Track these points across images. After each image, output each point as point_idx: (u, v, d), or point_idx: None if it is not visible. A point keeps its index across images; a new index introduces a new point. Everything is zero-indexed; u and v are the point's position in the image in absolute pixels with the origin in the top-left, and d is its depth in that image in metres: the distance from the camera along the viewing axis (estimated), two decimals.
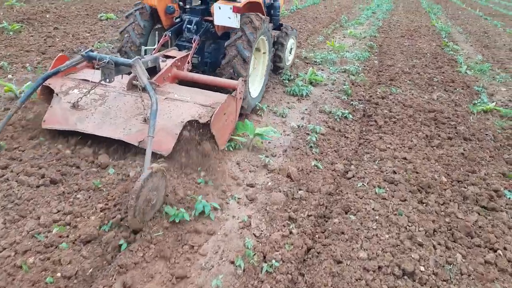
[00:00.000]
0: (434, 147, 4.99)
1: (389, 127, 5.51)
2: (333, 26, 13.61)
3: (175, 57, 4.76)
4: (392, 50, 10.59)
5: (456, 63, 9.53)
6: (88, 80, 4.26)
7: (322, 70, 8.38)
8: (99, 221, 3.26)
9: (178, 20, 5.50)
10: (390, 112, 6.01)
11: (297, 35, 7.78)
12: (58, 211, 3.33)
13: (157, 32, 5.46)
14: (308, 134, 5.20)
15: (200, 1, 5.74)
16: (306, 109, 6.14)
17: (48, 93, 4.33)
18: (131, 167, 3.96)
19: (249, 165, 4.49)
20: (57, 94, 4.12)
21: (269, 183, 4.10)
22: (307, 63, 8.69)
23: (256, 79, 5.83)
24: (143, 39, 5.25)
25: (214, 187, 3.96)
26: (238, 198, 3.85)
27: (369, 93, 7.09)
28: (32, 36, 8.50)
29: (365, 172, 4.33)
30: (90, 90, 3.96)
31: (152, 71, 4.40)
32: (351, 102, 6.48)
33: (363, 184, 4.09)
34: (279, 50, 6.85)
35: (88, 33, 9.25)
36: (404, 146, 4.96)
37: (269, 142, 4.92)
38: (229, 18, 4.79)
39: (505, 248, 3.26)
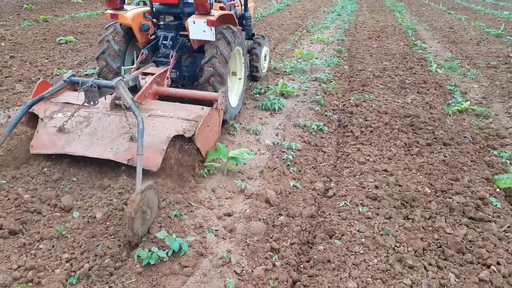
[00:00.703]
0: (414, 156, 4.86)
1: (366, 137, 5.37)
2: (299, 32, 13.54)
3: (154, 73, 4.81)
4: (361, 53, 10.55)
5: (426, 62, 9.54)
6: (71, 103, 4.31)
7: (292, 80, 8.23)
8: (65, 274, 2.99)
9: (153, 37, 5.57)
10: (366, 120, 5.88)
11: (269, 42, 7.87)
12: (19, 267, 3.03)
13: (134, 51, 5.49)
14: (284, 152, 5.00)
15: (173, 17, 5.78)
16: (280, 124, 5.95)
17: (32, 119, 4.38)
18: (97, 208, 3.68)
19: (225, 191, 4.26)
20: (42, 119, 4.16)
21: (247, 211, 3.87)
22: (277, 74, 8.53)
23: (234, 89, 5.95)
24: (119, 62, 5.31)
25: (189, 219, 3.72)
26: (216, 230, 3.61)
27: (342, 102, 6.96)
28: None
29: (346, 190, 4.14)
30: (74, 113, 4.02)
31: (133, 89, 4.45)
32: (325, 113, 6.33)
33: (345, 204, 3.90)
34: (254, 59, 7.08)
35: (47, 59, 8.84)
36: (383, 157, 4.82)
37: (244, 164, 4.70)
38: (204, 31, 4.85)
39: (498, 263, 3.11)
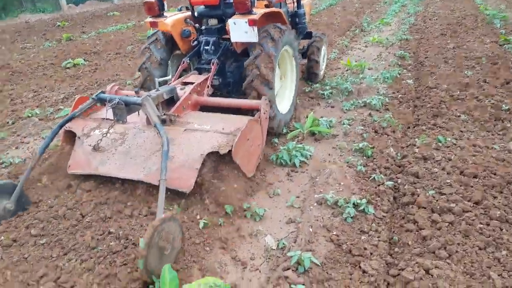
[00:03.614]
0: None
1: (442, 238, 2.99)
2: (352, 32, 11.05)
3: (194, 83, 4.48)
4: (431, 58, 7.94)
5: None
6: (110, 119, 3.93)
7: (331, 108, 5.97)
8: None
9: (195, 43, 5.16)
10: (441, 194, 3.50)
11: (327, 41, 7.22)
12: None
13: (175, 60, 5.27)
14: (287, 277, 2.83)
15: (216, 20, 5.27)
16: (297, 198, 3.79)
17: (71, 137, 4.11)
18: None
19: None
20: (79, 138, 3.97)
21: None
22: (312, 98, 6.32)
23: (285, 93, 5.37)
24: (162, 71, 5.05)
25: None
26: None
27: (402, 150, 4.58)
28: None
29: None
30: (108, 131, 3.76)
31: (172, 101, 4.19)
32: (372, 175, 4.00)
33: None
34: (313, 60, 6.55)
35: (35, 92, 7.31)
36: None
37: None
38: (246, 32, 4.42)
39: None
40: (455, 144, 4.40)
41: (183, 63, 4.93)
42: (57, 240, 3.10)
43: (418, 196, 3.53)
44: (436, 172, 3.84)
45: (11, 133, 5.47)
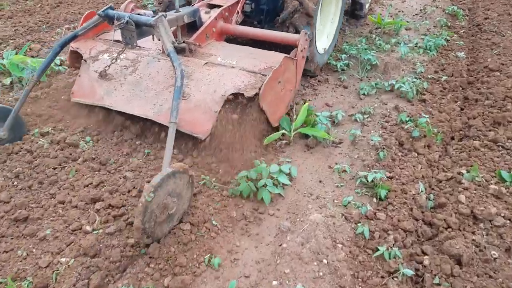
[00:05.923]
0: None
1: None
2: None
3: (222, 6, 3.79)
4: (493, 21, 5.86)
5: None
6: (119, 41, 3.27)
7: (343, 88, 4.24)
8: None
9: None
10: None
11: None
12: None
13: None
14: None
15: None
16: (246, 278, 2.22)
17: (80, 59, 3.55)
18: None
19: None
20: (85, 61, 3.48)
21: None
22: (320, 70, 4.54)
23: (325, 28, 4.66)
24: None
25: None
26: None
27: (436, 188, 2.85)
28: None
29: None
30: (118, 56, 3.24)
31: (194, 26, 3.60)
32: (381, 247, 2.32)
33: None
34: None
35: None
36: None
37: None
38: None
39: None
40: None
41: None
42: None
43: None
44: (495, 259, 2.16)
45: None
